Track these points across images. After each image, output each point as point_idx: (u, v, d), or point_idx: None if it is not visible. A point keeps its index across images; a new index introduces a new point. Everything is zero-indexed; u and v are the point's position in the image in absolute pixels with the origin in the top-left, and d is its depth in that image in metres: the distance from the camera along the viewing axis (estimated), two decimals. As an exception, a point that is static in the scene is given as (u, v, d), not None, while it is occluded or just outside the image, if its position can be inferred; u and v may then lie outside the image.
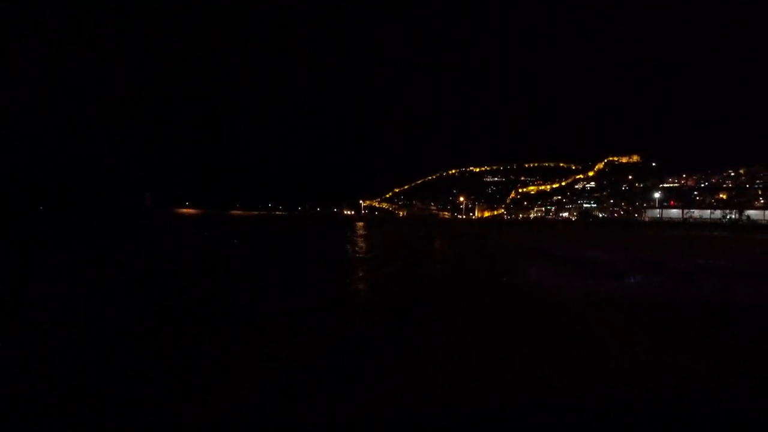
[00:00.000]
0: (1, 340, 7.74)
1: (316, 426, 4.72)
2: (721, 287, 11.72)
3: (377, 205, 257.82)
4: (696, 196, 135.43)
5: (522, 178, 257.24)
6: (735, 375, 5.88)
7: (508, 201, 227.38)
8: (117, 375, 6.12)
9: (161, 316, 9.73)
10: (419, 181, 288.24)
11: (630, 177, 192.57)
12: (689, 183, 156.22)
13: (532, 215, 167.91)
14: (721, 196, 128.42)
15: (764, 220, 76.98)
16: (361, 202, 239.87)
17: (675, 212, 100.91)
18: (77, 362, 6.68)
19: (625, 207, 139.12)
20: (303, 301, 11.64)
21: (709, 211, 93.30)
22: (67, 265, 18.76)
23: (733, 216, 72.08)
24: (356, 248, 30.33)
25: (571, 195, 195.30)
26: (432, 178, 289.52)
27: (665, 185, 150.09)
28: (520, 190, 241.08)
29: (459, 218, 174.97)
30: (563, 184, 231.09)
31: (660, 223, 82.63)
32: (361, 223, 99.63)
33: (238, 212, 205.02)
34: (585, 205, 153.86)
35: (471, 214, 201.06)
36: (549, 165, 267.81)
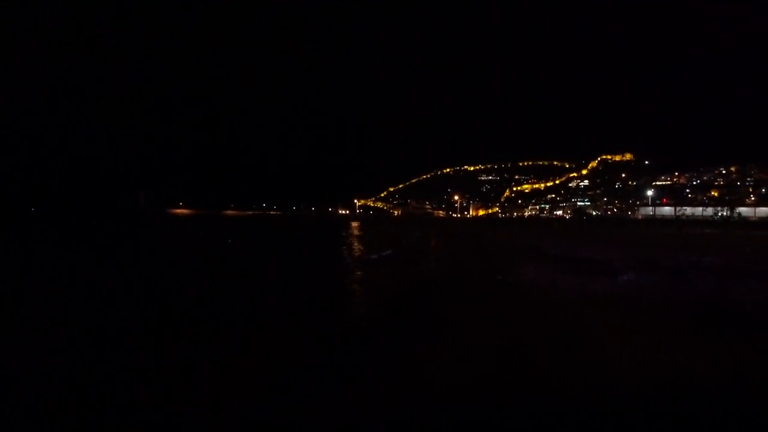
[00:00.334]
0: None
1: (314, 426, 4.74)
2: (715, 285, 11.84)
3: (372, 205, 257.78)
4: (688, 193, 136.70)
5: (516, 177, 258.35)
6: (730, 372, 5.96)
7: (502, 200, 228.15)
8: (114, 376, 6.10)
9: (155, 318, 9.68)
10: (414, 180, 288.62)
11: (623, 175, 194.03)
12: (681, 181, 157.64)
13: (526, 214, 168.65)
14: (712, 193, 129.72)
15: (755, 217, 77.79)
16: (356, 201, 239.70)
17: (668, 210, 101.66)
18: (73, 364, 6.65)
19: (618, 205, 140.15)
20: (298, 302, 11.65)
21: (701, 208, 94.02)
22: (59, 267, 18.62)
23: (725, 213, 72.58)
24: (351, 248, 30.33)
25: (565, 193, 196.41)
26: (427, 177, 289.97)
27: (658, 183, 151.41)
28: (514, 189, 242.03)
29: (454, 217, 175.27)
30: (557, 182, 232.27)
31: (653, 220, 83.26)
32: (356, 223, 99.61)
33: (233, 212, 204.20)
34: (579, 203, 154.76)
35: (466, 212, 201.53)
36: (543, 163, 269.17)
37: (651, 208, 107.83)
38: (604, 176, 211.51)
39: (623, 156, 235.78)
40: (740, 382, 5.64)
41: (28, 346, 7.56)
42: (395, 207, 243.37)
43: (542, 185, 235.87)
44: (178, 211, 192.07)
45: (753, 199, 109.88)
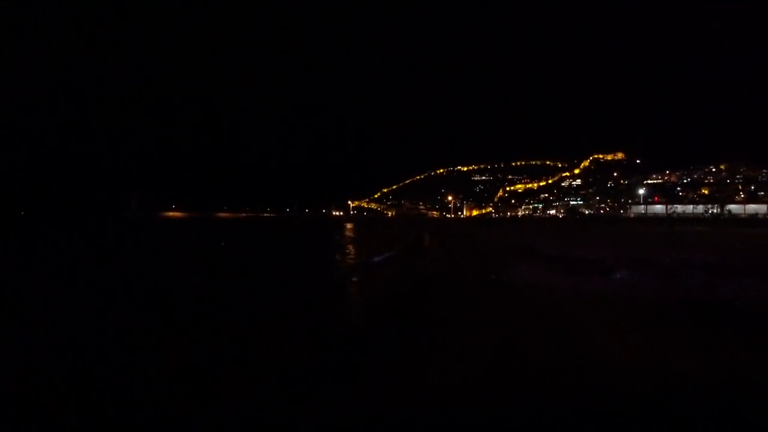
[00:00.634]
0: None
1: (313, 426, 4.79)
2: (706, 282, 12.01)
3: (366, 206, 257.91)
4: (679, 191, 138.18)
5: (509, 177, 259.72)
6: (723, 370, 6.05)
7: (496, 199, 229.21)
8: (112, 377, 6.09)
9: (150, 321, 9.66)
10: (407, 181, 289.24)
11: (615, 174, 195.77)
12: (672, 179, 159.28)
13: (520, 213, 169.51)
14: (703, 191, 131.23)
15: (744, 214, 78.75)
16: (349, 202, 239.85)
17: (659, 208, 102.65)
18: (72, 365, 6.63)
19: (610, 204, 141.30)
20: (295, 302, 11.65)
21: (692, 206, 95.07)
22: (49, 271, 18.46)
23: (715, 211, 73.58)
24: (347, 250, 30.33)
25: (558, 193, 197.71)
26: (420, 178, 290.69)
27: (649, 182, 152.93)
28: (507, 189, 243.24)
29: (448, 217, 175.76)
30: (550, 182, 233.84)
31: (645, 219, 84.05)
32: (350, 225, 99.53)
33: (226, 215, 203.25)
34: (572, 203, 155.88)
35: (459, 213, 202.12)
36: (536, 163, 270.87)
37: (643, 206, 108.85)
38: (596, 175, 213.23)
39: (615, 155, 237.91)
40: (733, 380, 5.73)
41: (27, 347, 7.52)
42: (389, 208, 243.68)
43: (535, 185, 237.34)
44: (171, 213, 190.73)
45: (743, 196, 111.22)
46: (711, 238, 30.81)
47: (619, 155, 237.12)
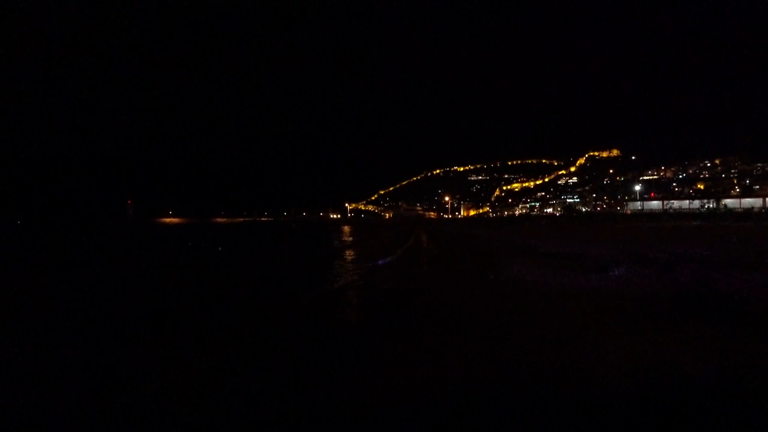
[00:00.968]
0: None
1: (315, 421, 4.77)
2: (702, 276, 12.02)
3: (363, 208, 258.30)
4: (675, 187, 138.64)
5: (506, 176, 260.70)
6: (719, 363, 6.05)
7: (492, 199, 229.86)
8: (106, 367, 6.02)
9: (146, 324, 9.57)
10: (404, 183, 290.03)
11: (611, 171, 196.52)
12: (668, 175, 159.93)
13: (517, 212, 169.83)
14: (698, 186, 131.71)
15: (740, 208, 79.15)
16: (347, 205, 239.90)
17: (655, 204, 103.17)
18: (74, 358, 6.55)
19: (607, 201, 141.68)
20: (294, 303, 11.59)
21: (687, 201, 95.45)
22: (44, 281, 18.31)
23: (711, 205, 73.90)
24: (344, 251, 30.28)
25: (555, 191, 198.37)
26: (417, 179, 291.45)
27: (645, 178, 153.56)
28: (504, 188, 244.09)
29: (445, 218, 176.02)
30: (546, 180, 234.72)
31: (641, 215, 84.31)
32: (347, 227, 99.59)
33: (223, 220, 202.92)
34: (568, 200, 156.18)
35: (457, 213, 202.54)
36: (532, 162, 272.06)
37: (639, 202, 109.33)
38: (592, 172, 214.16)
39: (610, 152, 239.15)
40: (729, 372, 5.72)
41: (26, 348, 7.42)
42: (386, 210, 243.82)
43: (532, 183, 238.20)
44: (167, 220, 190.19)
45: (737, 190, 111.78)
46: (707, 233, 30.91)
47: (615, 152, 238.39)
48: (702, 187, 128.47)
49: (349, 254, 28.46)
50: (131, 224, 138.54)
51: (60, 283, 17.45)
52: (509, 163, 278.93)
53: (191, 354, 7.52)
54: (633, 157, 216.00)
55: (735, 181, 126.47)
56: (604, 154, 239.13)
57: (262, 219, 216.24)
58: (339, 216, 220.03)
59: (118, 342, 8.35)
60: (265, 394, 5.65)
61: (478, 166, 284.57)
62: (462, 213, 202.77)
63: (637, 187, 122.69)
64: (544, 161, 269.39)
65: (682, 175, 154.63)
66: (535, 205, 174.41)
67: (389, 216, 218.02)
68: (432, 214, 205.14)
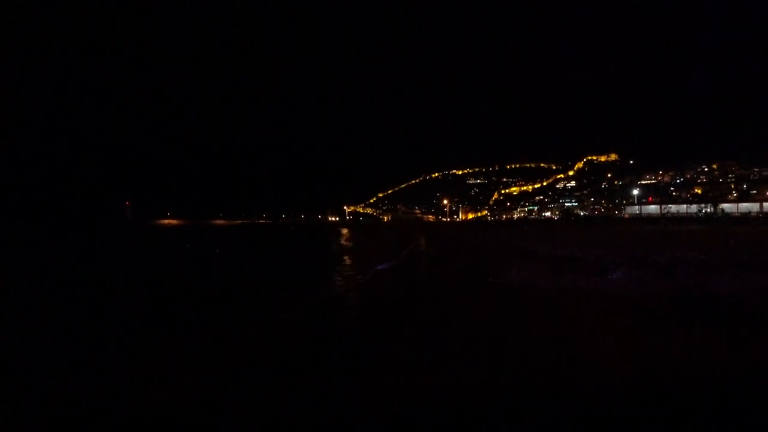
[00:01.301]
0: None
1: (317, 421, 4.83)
2: (700, 279, 12.10)
3: (361, 211, 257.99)
4: (672, 191, 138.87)
5: (504, 180, 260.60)
6: (719, 365, 6.12)
7: (491, 202, 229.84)
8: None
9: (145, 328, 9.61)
10: (403, 186, 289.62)
11: (609, 175, 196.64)
12: (665, 179, 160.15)
13: (515, 216, 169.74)
14: (696, 190, 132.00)
15: (737, 212, 79.28)
16: (345, 207, 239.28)
17: (653, 208, 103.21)
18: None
19: (605, 204, 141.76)
20: (293, 306, 11.63)
21: (685, 205, 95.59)
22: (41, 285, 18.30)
23: (708, 210, 74.05)
24: (344, 253, 30.30)
25: (553, 194, 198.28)
26: (415, 182, 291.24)
27: (643, 182, 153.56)
28: (502, 191, 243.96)
29: (443, 221, 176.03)
30: (544, 184, 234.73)
31: (639, 218, 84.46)
32: (345, 230, 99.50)
33: (222, 221, 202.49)
34: (567, 204, 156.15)
35: (455, 216, 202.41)
36: (530, 166, 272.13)
37: (637, 206, 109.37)
38: (590, 176, 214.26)
39: (608, 156, 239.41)
40: (727, 373, 5.79)
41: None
42: (385, 213, 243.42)
43: (530, 187, 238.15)
44: (165, 221, 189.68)
45: (735, 195, 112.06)
46: (705, 237, 31.03)
47: (613, 156, 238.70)
48: (699, 191, 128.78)
49: (348, 259, 28.50)
50: (129, 225, 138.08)
51: (58, 284, 17.45)
52: (508, 167, 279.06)
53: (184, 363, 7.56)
54: (631, 162, 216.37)
55: (732, 186, 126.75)
56: (603, 159, 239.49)
57: (261, 221, 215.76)
58: (337, 219, 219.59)
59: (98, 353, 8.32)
60: (266, 396, 5.70)
61: (477, 169, 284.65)
62: (460, 216, 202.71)
63: (635, 191, 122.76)
64: (542, 165, 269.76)
65: (679, 179, 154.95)
66: (533, 209, 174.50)
67: (387, 219, 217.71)
68: (430, 218, 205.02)
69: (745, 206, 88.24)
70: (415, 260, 25.05)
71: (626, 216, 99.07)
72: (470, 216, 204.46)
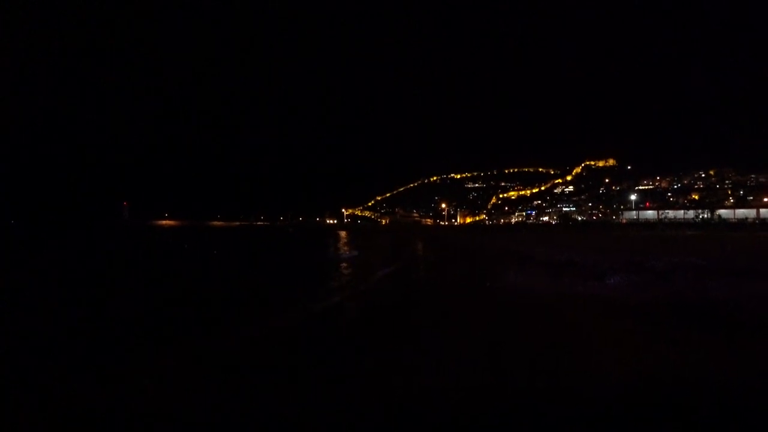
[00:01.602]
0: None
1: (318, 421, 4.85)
2: (696, 284, 12.15)
3: (360, 214, 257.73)
4: (670, 197, 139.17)
5: (502, 184, 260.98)
6: (716, 370, 6.15)
7: (489, 207, 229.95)
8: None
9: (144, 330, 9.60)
10: (401, 189, 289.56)
11: (607, 180, 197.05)
12: (663, 185, 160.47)
13: (513, 220, 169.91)
14: (693, 196, 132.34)
15: (734, 218, 79.65)
16: (343, 211, 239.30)
17: (651, 213, 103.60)
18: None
19: (603, 210, 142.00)
20: (291, 309, 11.63)
21: (682, 211, 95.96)
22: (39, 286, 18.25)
23: (705, 215, 74.45)
24: (341, 256, 30.30)
25: (551, 199, 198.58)
26: (413, 186, 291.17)
27: (640, 187, 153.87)
28: (500, 196, 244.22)
29: (442, 225, 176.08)
30: (543, 188, 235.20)
31: (637, 224, 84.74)
32: (343, 233, 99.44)
33: (219, 223, 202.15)
34: (564, 209, 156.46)
35: (453, 220, 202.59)
36: (528, 170, 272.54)
37: (635, 211, 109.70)
38: (588, 181, 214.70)
39: (606, 161, 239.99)
40: (724, 378, 5.82)
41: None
42: (383, 216, 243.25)
43: (528, 192, 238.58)
44: (163, 222, 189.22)
45: (732, 201, 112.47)
46: (702, 242, 31.14)
47: (611, 161, 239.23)
48: (697, 197, 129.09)
49: (347, 263, 28.49)
50: (126, 226, 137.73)
51: (56, 285, 17.41)
52: (506, 171, 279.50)
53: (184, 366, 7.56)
54: (629, 167, 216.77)
55: (729, 192, 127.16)
56: (601, 164, 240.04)
57: (259, 223, 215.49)
58: (335, 221, 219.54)
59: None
60: (268, 397, 5.71)
61: (475, 173, 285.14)
62: (458, 220, 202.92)
63: (633, 197, 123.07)
64: (540, 170, 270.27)
65: (677, 185, 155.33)
66: (531, 213, 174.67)
67: (385, 222, 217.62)
68: (428, 221, 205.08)
69: (741, 212, 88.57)
70: (413, 264, 25.06)
71: (624, 221, 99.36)
72: (468, 220, 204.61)
